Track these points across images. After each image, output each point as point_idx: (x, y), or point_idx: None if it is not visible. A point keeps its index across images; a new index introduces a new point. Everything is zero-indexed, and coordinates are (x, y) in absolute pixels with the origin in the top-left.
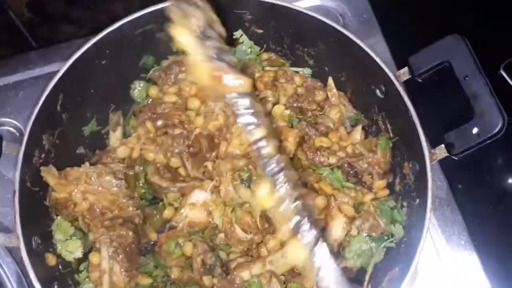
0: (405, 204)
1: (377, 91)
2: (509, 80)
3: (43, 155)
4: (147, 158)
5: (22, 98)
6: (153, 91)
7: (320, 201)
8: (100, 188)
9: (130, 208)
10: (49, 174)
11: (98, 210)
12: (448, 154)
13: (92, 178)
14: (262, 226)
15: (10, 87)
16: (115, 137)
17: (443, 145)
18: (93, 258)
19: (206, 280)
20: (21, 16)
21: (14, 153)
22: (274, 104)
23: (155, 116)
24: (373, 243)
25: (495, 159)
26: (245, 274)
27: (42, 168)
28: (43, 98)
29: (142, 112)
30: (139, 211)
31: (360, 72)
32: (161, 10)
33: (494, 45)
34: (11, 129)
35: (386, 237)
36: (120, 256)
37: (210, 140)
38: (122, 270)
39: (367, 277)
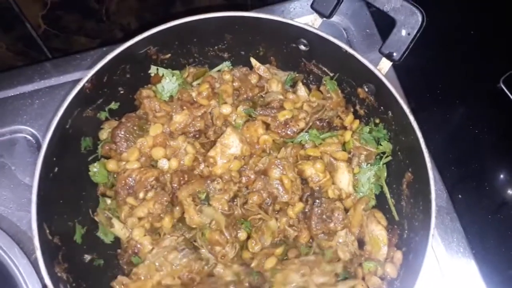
0: (377, 121)
1: (301, 46)
2: (508, 94)
3: None
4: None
5: (38, 106)
6: (111, 165)
7: (318, 165)
8: (174, 267)
9: (206, 268)
10: (121, 283)
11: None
12: (392, 62)
13: (159, 263)
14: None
15: (26, 96)
16: (119, 230)
17: (384, 58)
18: None
19: None
20: (38, 28)
21: None
22: None
23: (131, 190)
24: (375, 167)
25: (494, 170)
26: None
27: (112, 283)
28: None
29: (116, 193)
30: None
31: (273, 38)
32: None
33: (493, 58)
34: (28, 136)
35: (381, 156)
36: None
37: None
38: None
39: (388, 195)
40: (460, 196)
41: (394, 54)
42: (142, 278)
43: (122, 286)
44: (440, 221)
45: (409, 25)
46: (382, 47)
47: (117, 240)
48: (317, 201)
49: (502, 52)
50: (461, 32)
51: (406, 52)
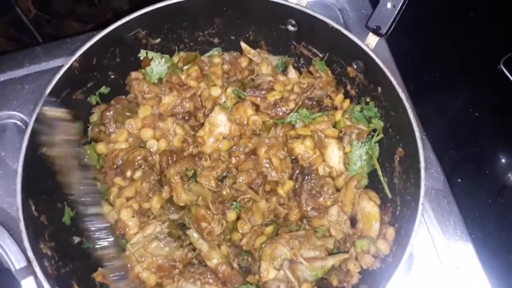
0: (368, 99)
1: (289, 27)
2: (508, 75)
3: None
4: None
5: (28, 91)
6: (101, 147)
7: (308, 143)
8: (154, 259)
9: (189, 255)
10: (102, 275)
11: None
12: (379, 37)
13: (139, 255)
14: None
15: (16, 81)
16: (107, 213)
17: (370, 33)
18: None
19: None
20: (28, 12)
21: None
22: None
23: (119, 170)
24: (366, 145)
25: (494, 153)
26: None
27: (93, 275)
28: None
29: (105, 174)
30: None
31: (261, 21)
32: None
33: (493, 41)
34: (17, 122)
35: (373, 135)
36: None
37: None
38: None
39: (380, 173)
40: (459, 180)
41: (381, 28)
42: None
43: (103, 278)
44: (437, 204)
45: None
46: (368, 21)
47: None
48: (307, 177)
49: (502, 33)
50: (460, 13)
51: (393, 26)
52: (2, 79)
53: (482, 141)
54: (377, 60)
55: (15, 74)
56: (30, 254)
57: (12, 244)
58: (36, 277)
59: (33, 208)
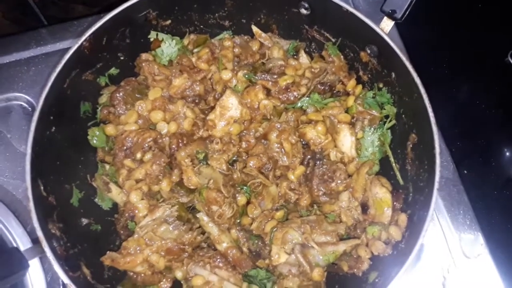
0: (381, 85)
1: (302, 10)
2: None
3: None
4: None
5: (34, 73)
6: (110, 129)
7: (319, 128)
8: (163, 242)
9: (198, 238)
10: (110, 259)
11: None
12: (394, 21)
13: (149, 238)
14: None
15: (22, 63)
16: (116, 195)
17: (385, 17)
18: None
19: None
20: None
21: None
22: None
23: (128, 151)
24: (379, 131)
25: (501, 146)
26: None
27: (102, 258)
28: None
29: (114, 156)
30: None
31: (273, 3)
32: None
33: (501, 32)
34: (23, 103)
35: (384, 121)
36: None
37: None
38: None
39: (392, 159)
40: (465, 171)
41: (396, 11)
42: (132, 252)
43: (112, 262)
44: (447, 193)
45: None
46: (383, 5)
47: (115, 207)
48: (319, 162)
49: (510, 26)
50: (469, 5)
51: (408, 10)
52: (8, 61)
53: (489, 133)
54: (392, 44)
55: (20, 56)
56: (39, 233)
57: (17, 226)
58: (41, 259)
59: (42, 188)
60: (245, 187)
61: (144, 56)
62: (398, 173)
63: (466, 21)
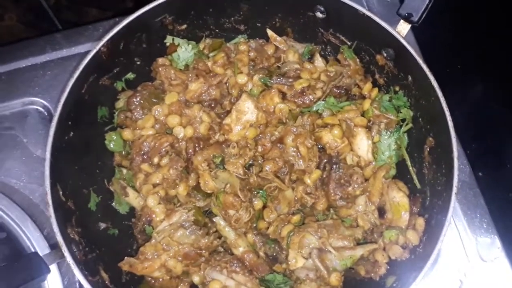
0: (397, 88)
1: (317, 13)
2: None
3: None
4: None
5: (50, 78)
6: (127, 134)
7: (336, 131)
8: (181, 247)
9: (215, 243)
10: (129, 264)
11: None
12: (411, 25)
13: (166, 243)
14: (245, 197)
15: (38, 68)
16: (133, 199)
17: (402, 20)
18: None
19: None
20: None
21: None
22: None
23: (145, 156)
24: (395, 135)
25: None
26: None
27: (120, 264)
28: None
29: (131, 160)
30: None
31: (289, 7)
32: None
33: None
34: (39, 108)
35: (401, 124)
36: None
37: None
38: None
39: (408, 163)
40: (480, 173)
41: (413, 15)
42: (150, 257)
43: (130, 267)
44: (463, 196)
45: None
46: (400, 8)
47: (132, 211)
48: (335, 166)
49: None
50: (483, 5)
51: (425, 13)
52: (24, 65)
53: (504, 135)
54: (409, 48)
55: (36, 60)
56: (59, 238)
57: (34, 230)
58: (59, 263)
59: (61, 193)
60: (261, 191)
61: (160, 60)
62: (415, 177)
63: (479, 21)
